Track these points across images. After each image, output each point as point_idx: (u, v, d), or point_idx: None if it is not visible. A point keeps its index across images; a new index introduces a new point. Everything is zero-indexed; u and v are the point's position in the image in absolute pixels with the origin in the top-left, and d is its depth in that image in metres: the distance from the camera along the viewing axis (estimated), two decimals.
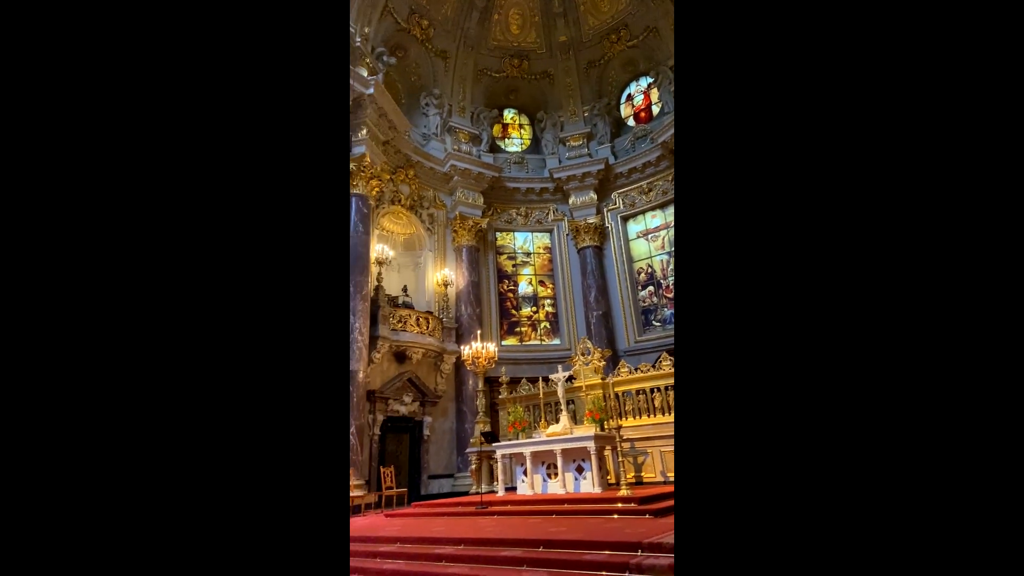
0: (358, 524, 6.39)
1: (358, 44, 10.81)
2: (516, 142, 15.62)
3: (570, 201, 14.26)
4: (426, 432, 11.13)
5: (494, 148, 14.91)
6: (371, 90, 10.42)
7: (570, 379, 8.25)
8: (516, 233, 14.59)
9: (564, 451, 6.66)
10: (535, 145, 15.44)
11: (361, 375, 9.29)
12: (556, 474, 6.74)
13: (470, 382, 11.59)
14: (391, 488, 8.86)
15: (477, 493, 8.04)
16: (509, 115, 15.72)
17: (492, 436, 8.13)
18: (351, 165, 10.23)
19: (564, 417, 7.32)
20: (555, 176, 14.22)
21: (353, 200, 10.25)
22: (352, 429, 8.71)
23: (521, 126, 15.79)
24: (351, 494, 7.99)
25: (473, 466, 8.66)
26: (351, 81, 10.05)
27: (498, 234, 14.35)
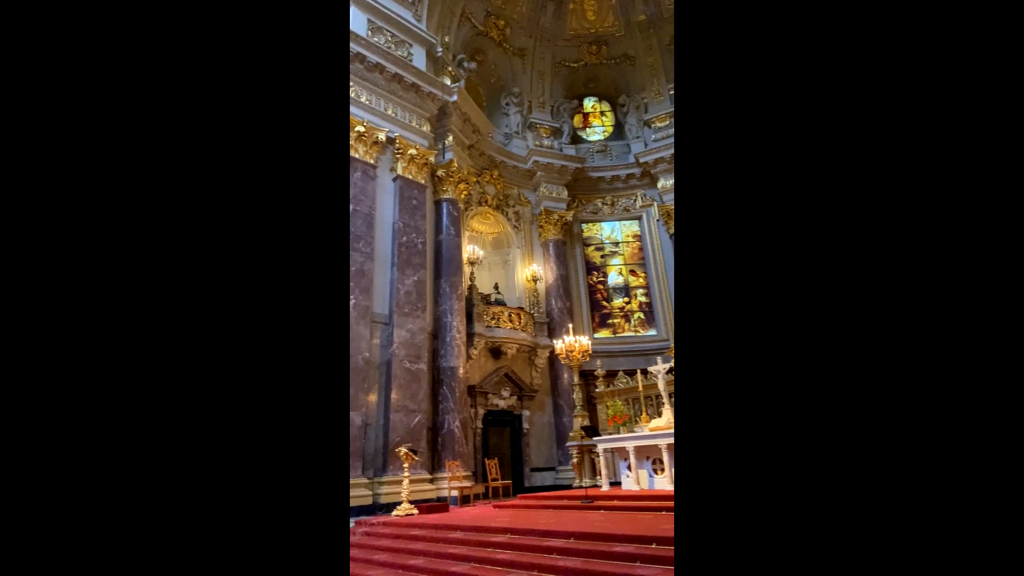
0: (470, 514, 6.72)
1: (439, 54, 11.24)
2: (598, 130, 15.30)
3: (659, 185, 13.68)
4: (525, 425, 11.37)
5: (576, 139, 14.74)
6: (454, 97, 10.80)
7: (671, 371, 7.95)
8: (603, 223, 14.32)
9: (670, 446, 6.45)
10: (618, 131, 15.02)
11: (461, 371, 9.72)
12: (662, 469, 6.55)
13: (565, 376, 11.63)
14: (496, 480, 9.19)
15: (580, 487, 8.07)
16: (589, 104, 15.43)
17: (592, 430, 8.10)
18: (440, 172, 10.71)
19: (667, 411, 7.09)
20: (641, 160, 13.73)
21: (444, 205, 10.73)
22: (456, 423, 9.16)
23: (602, 113, 15.44)
24: (460, 484, 8.42)
25: (575, 460, 8.70)
26: (435, 91, 10.51)
27: (584, 226, 14.19)
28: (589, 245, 14.15)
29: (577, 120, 15.13)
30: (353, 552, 5.76)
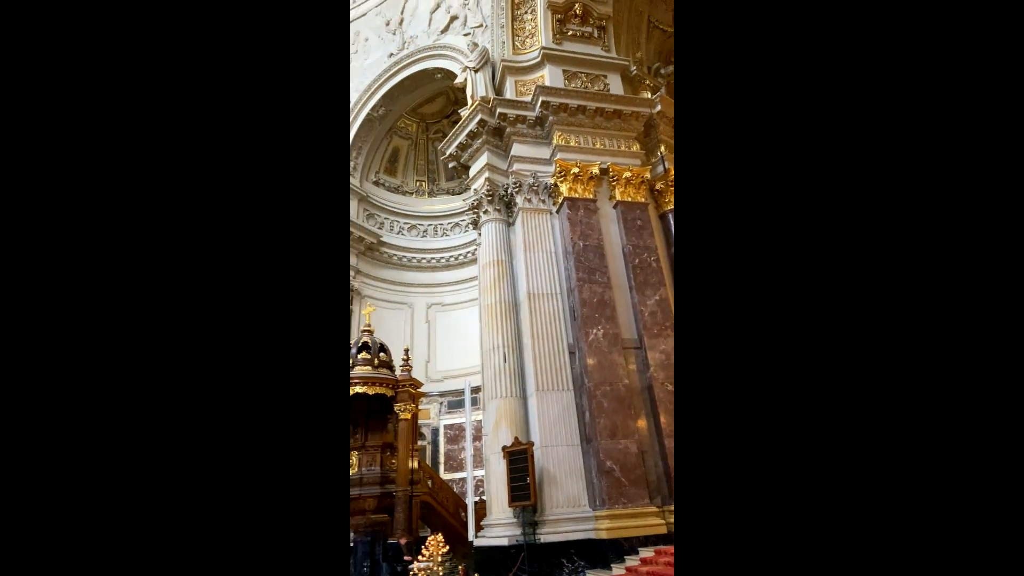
0: None
1: (634, 73, 11.23)
2: None
3: None
4: None
5: None
6: (657, 108, 10.55)
7: None
8: None
9: None
10: None
11: None
12: None
13: None
14: None
15: None
16: None
17: None
18: (659, 185, 10.45)
19: None
20: None
21: (670, 217, 10.34)
22: None
23: None
24: None
25: None
26: (637, 108, 10.48)
27: None
28: None
29: None
30: None
